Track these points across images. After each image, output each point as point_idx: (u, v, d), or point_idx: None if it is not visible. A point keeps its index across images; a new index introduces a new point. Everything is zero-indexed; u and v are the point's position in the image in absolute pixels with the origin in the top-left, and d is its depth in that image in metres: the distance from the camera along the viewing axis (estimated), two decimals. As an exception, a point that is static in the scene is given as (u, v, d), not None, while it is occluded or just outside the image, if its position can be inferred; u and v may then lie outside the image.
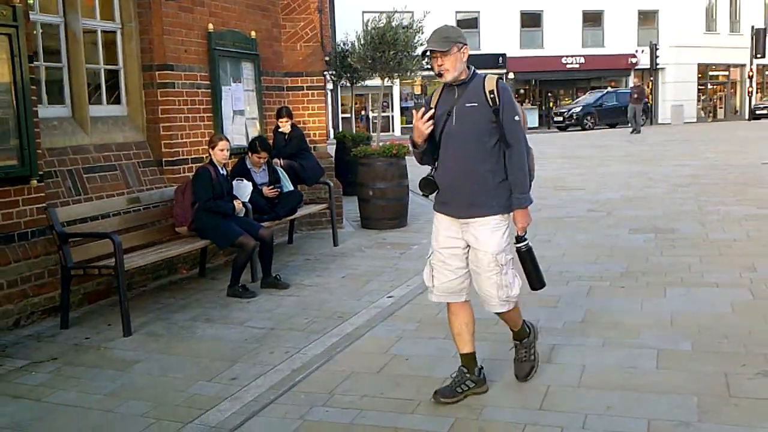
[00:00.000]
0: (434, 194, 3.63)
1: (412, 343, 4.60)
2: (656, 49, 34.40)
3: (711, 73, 42.20)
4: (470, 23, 36.21)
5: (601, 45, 38.55)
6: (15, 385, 4.15)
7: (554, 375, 3.86)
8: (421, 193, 3.71)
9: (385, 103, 34.65)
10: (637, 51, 38.15)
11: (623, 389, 3.61)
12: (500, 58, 36.46)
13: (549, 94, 41.59)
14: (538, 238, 7.68)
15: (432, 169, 3.60)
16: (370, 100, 35.41)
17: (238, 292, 5.84)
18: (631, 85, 26.56)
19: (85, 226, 5.54)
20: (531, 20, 37.98)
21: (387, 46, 8.69)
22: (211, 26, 7.22)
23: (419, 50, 8.99)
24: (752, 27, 35.83)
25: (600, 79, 40.33)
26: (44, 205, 5.43)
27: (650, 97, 34.02)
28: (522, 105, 39.38)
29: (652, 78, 37.91)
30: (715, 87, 43.27)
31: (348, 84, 12.16)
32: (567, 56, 38.19)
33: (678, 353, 4.05)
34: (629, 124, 26.43)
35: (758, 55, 34.37)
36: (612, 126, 31.51)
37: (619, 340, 4.34)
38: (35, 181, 5.34)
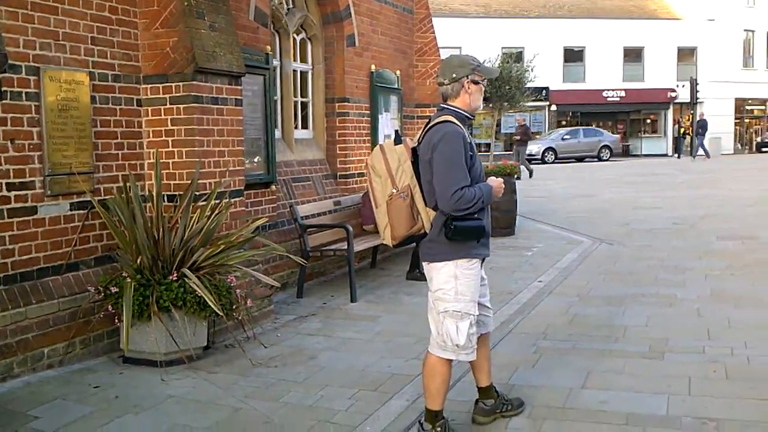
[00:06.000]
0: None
1: (582, 307, 6.04)
2: (697, 84, 35.80)
3: (747, 107, 43.45)
4: (515, 59, 37.93)
5: (641, 79, 39.99)
6: (302, 328, 5.69)
7: (708, 322, 5.31)
8: (461, 237, 3.30)
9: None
10: (677, 86, 39.47)
11: (765, 329, 5.06)
12: (544, 91, 38.04)
13: (591, 126, 42.97)
14: (637, 244, 9.14)
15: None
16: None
17: (417, 276, 7.34)
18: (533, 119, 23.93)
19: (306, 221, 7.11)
20: (574, 56, 39.62)
21: (503, 82, 10.22)
22: (373, 66, 8.86)
23: (528, 84, 10.59)
24: (791, 64, 37.11)
25: (639, 111, 41.79)
26: (276, 204, 7.03)
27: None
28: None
29: (691, 111, 39.19)
30: (751, 120, 44.42)
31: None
32: (608, 90, 39.68)
33: (799, 311, 5.50)
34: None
35: (797, 91, 35.58)
36: None
37: (748, 304, 5.78)
38: (274, 186, 6.95)
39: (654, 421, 3.63)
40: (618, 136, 36.70)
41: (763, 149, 37.17)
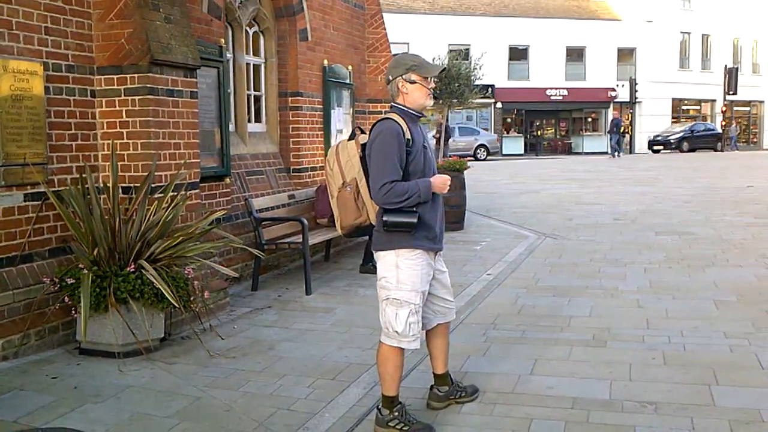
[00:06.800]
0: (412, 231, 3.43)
1: (529, 298, 6.27)
2: (636, 83, 36.99)
3: (683, 107, 45.10)
4: (463, 56, 38.40)
5: (583, 79, 41.06)
6: (258, 320, 5.75)
7: (647, 313, 5.59)
8: (394, 229, 3.40)
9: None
10: (617, 85, 40.65)
11: (699, 319, 5.37)
12: (489, 89, 38.64)
13: (535, 124, 43.93)
14: (582, 238, 9.48)
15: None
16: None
17: (369, 269, 7.47)
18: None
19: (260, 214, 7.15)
20: (518, 54, 40.42)
21: (451, 79, 10.44)
22: (325, 61, 8.93)
23: (476, 82, 10.85)
24: (725, 66, 38.64)
25: (581, 110, 42.89)
26: (230, 198, 7.05)
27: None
28: (508, 133, 41.64)
29: (630, 111, 40.50)
30: (686, 120, 46.11)
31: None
32: (551, 88, 40.61)
33: (728, 302, 5.84)
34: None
35: (731, 92, 37.07)
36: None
37: (683, 296, 6.11)
38: (228, 179, 6.97)
39: (598, 404, 3.85)
40: (495, 135, 36.71)
41: (655, 147, 37.83)
